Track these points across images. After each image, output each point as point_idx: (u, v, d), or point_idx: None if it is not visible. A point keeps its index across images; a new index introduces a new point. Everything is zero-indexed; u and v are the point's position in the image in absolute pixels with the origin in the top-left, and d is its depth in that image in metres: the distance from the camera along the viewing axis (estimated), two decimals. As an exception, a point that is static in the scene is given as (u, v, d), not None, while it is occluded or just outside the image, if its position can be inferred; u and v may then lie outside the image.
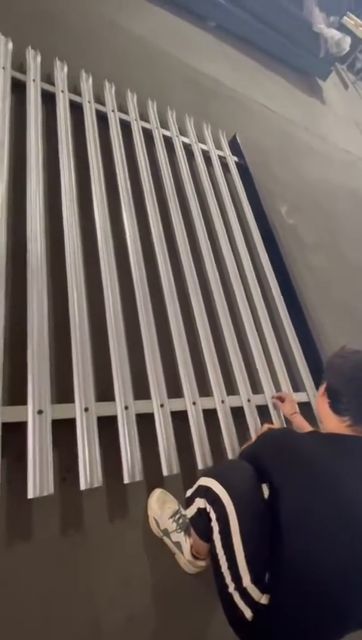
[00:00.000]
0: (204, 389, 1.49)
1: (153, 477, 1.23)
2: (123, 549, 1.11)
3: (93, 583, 1.03)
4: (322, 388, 0.99)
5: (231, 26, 3.57)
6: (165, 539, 1.16)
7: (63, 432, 1.12)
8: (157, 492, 1.21)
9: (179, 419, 1.35)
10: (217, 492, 0.87)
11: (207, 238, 1.92)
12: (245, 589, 0.83)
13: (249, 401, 1.55)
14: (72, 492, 1.09)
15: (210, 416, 1.42)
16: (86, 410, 1.17)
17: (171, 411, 1.34)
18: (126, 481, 1.14)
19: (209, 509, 0.88)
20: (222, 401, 1.48)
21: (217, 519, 0.86)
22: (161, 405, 1.32)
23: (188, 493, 0.99)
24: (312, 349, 1.90)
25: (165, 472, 1.22)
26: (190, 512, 0.96)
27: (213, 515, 0.87)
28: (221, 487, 0.88)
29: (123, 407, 1.24)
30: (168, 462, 1.24)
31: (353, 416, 0.90)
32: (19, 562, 0.97)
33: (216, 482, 0.89)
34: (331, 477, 0.83)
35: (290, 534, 0.83)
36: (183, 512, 1.17)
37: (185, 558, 1.13)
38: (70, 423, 1.13)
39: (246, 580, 0.83)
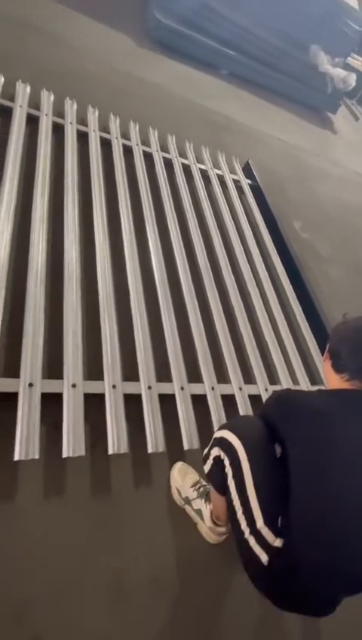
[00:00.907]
0: (224, 378, 1.59)
1: (175, 452, 1.32)
2: (148, 514, 1.19)
3: (120, 542, 1.11)
4: (326, 352, 1.08)
5: (241, 73, 3.96)
6: (187, 507, 1.23)
7: (94, 405, 1.25)
8: (179, 464, 1.30)
9: (200, 403, 1.45)
10: (230, 440, 0.97)
11: (224, 251, 2.09)
12: (259, 532, 0.89)
13: (266, 390, 1.63)
14: (101, 459, 1.20)
15: (229, 401, 1.52)
16: (114, 387, 1.31)
17: (191, 394, 1.45)
18: (150, 450, 1.24)
19: (223, 455, 0.97)
20: (240, 389, 1.57)
21: (231, 463, 0.95)
22: (182, 388, 1.44)
23: (205, 451, 1.08)
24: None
25: (186, 446, 1.31)
26: (207, 466, 1.05)
27: (226, 461, 0.96)
28: (233, 435, 0.97)
29: (147, 387, 1.37)
30: (189, 437, 1.33)
31: (351, 370, 0.98)
32: (54, 518, 1.07)
33: (229, 432, 0.98)
34: (337, 426, 0.90)
35: (301, 482, 0.89)
36: (203, 482, 1.25)
37: (206, 527, 1.19)
38: (100, 398, 1.27)
39: (260, 522, 0.89)
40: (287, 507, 0.88)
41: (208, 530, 1.19)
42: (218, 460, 0.99)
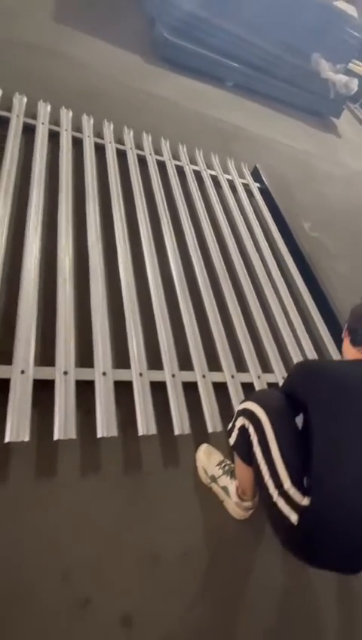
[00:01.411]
0: (243, 367, 1.67)
1: (199, 435, 1.40)
2: (176, 492, 1.27)
3: (152, 516, 1.19)
4: (345, 330, 1.16)
5: (246, 83, 4.11)
6: (213, 485, 1.30)
7: (123, 392, 1.34)
8: (204, 446, 1.38)
9: (221, 390, 1.53)
10: (253, 409, 1.05)
11: (237, 249, 2.19)
12: (287, 493, 0.95)
13: (283, 378, 1.71)
14: (131, 440, 1.29)
15: (248, 388, 1.59)
16: (140, 375, 1.40)
17: (213, 382, 1.53)
18: (176, 432, 1.33)
19: (247, 424, 1.05)
20: (258, 377, 1.65)
21: (255, 430, 1.02)
22: (203, 376, 1.52)
23: (229, 426, 1.16)
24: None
25: (210, 429, 1.39)
26: (232, 439, 1.12)
27: (251, 429, 1.04)
28: (256, 404, 1.05)
29: (171, 375, 1.46)
30: (212, 421, 1.41)
31: None
32: (92, 493, 1.16)
33: (252, 402, 1.07)
34: (357, 390, 0.98)
35: (325, 442, 0.95)
36: (228, 461, 1.32)
37: (232, 503, 1.26)
38: (128, 385, 1.36)
39: (287, 483, 0.96)
40: (312, 468, 0.95)
41: (234, 506, 1.26)
42: (243, 430, 1.07)
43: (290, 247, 2.46)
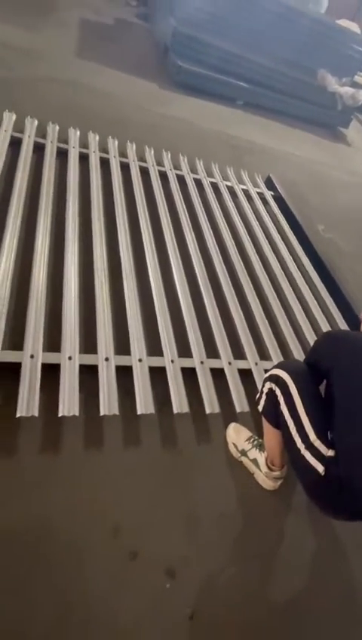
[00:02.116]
0: (265, 356, 1.78)
1: (228, 415, 1.52)
2: (209, 464, 1.39)
3: (188, 485, 1.31)
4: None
5: (256, 101, 4.34)
6: (243, 459, 1.41)
7: (158, 376, 1.48)
8: (233, 424, 1.50)
9: (246, 376, 1.65)
10: (279, 374, 1.17)
11: (254, 250, 2.34)
12: (313, 445, 1.06)
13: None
14: (167, 418, 1.42)
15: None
16: (172, 361, 1.54)
17: (238, 369, 1.65)
18: (207, 411, 1.45)
19: (274, 387, 1.16)
20: (281, 364, 1.76)
21: (282, 393, 1.14)
22: (229, 363, 1.65)
23: (257, 396, 1.28)
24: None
25: (238, 410, 1.51)
26: (261, 405, 1.24)
27: (278, 392, 1.15)
28: (282, 370, 1.17)
29: (199, 362, 1.59)
30: (240, 402, 1.53)
31: None
32: (134, 462, 1.29)
33: (278, 369, 1.19)
34: None
35: (347, 398, 1.05)
36: (256, 437, 1.43)
37: (262, 474, 1.37)
38: (163, 371, 1.50)
39: (313, 436, 1.06)
40: (335, 423, 1.06)
41: (264, 476, 1.36)
42: (270, 394, 1.18)
43: (305, 247, 2.59)
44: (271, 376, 1.21)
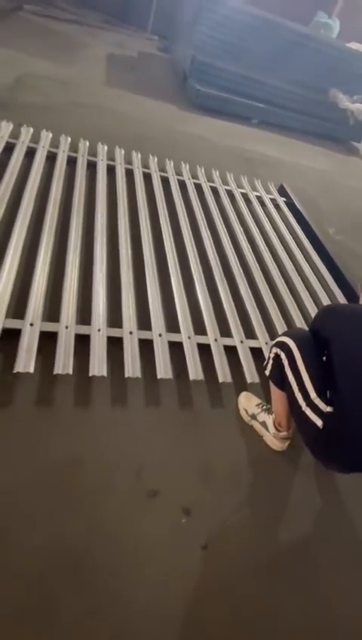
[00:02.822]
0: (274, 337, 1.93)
1: (239, 385, 1.67)
2: (223, 427, 1.53)
3: (204, 442, 1.45)
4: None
5: (270, 119, 4.62)
6: (254, 422, 1.54)
7: (177, 349, 1.65)
8: (244, 393, 1.64)
9: (256, 354, 1.80)
10: (284, 340, 1.31)
11: (268, 250, 2.51)
12: (313, 402, 1.19)
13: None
14: (184, 384, 1.59)
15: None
16: (189, 338, 1.71)
17: (250, 347, 1.80)
18: (220, 380, 1.61)
19: (280, 352, 1.31)
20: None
21: (286, 356, 1.28)
22: (241, 342, 1.81)
23: (264, 363, 1.42)
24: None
25: (249, 380, 1.66)
26: (268, 370, 1.38)
27: (283, 356, 1.29)
28: (287, 337, 1.31)
29: (214, 339, 1.76)
30: (250, 374, 1.68)
31: None
32: (155, 419, 1.45)
33: (283, 336, 1.33)
34: None
35: (344, 361, 1.18)
36: (264, 403, 1.57)
37: (270, 436, 1.50)
38: (180, 345, 1.68)
39: (313, 394, 1.20)
40: (333, 383, 1.19)
41: (272, 437, 1.49)
42: (276, 358, 1.33)
43: (315, 246, 2.74)
44: (277, 342, 1.36)
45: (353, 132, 5.07)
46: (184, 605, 1.08)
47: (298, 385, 1.24)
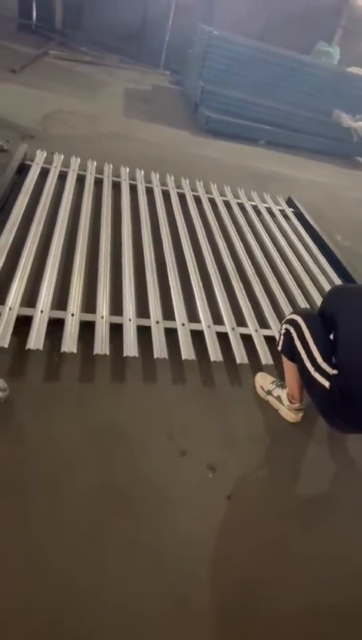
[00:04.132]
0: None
1: (255, 367, 1.85)
2: (241, 402, 1.71)
3: (225, 413, 1.63)
4: None
5: (277, 140, 4.93)
6: (269, 397, 1.72)
7: (198, 337, 1.86)
8: (260, 373, 1.82)
9: (270, 342, 1.99)
10: (293, 318, 1.50)
11: (278, 254, 2.73)
12: (320, 367, 1.37)
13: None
14: (205, 364, 1.78)
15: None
16: (208, 327, 1.92)
17: (264, 335, 2.00)
18: (238, 362, 1.80)
19: (290, 327, 1.49)
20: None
21: (295, 330, 1.47)
22: (256, 330, 2.00)
23: (277, 339, 1.61)
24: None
25: (263, 362, 1.84)
26: (280, 345, 1.56)
27: (292, 330, 1.48)
28: (296, 315, 1.50)
29: (231, 329, 1.96)
30: (265, 357, 1.86)
31: None
32: (180, 394, 1.65)
33: (293, 314, 1.52)
34: None
35: (346, 331, 1.35)
36: (278, 380, 1.74)
37: (285, 408, 1.67)
38: (201, 333, 1.88)
39: (320, 359, 1.37)
40: (338, 350, 1.37)
41: (287, 410, 1.66)
42: (286, 334, 1.52)
43: (323, 250, 2.94)
44: (287, 320, 1.56)
45: (357, 148, 5.34)
46: (213, 540, 1.25)
47: (306, 353, 1.43)
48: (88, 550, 1.14)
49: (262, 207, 3.26)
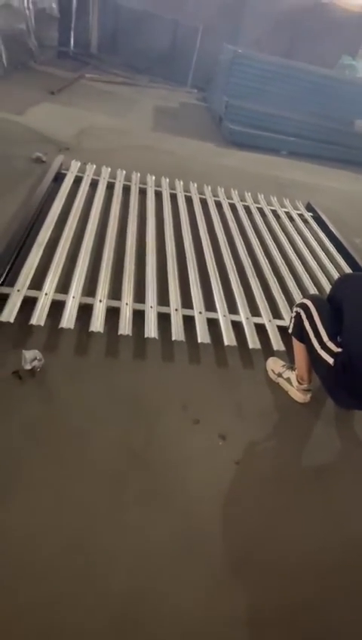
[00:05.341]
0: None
1: (267, 353, 1.97)
2: (254, 382, 1.83)
3: (237, 390, 1.76)
4: None
5: (298, 150, 5.08)
6: (279, 379, 1.83)
7: (213, 325, 2.01)
8: (272, 357, 1.94)
9: (283, 332, 2.11)
10: (304, 302, 1.63)
11: (296, 255, 2.85)
12: (326, 345, 1.48)
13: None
14: (220, 348, 1.93)
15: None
16: (224, 316, 2.07)
17: (277, 325, 2.12)
18: (251, 346, 1.93)
19: (299, 310, 1.62)
20: (313, 324, 2.19)
21: (304, 313, 1.59)
22: (269, 320, 2.13)
23: (288, 323, 1.73)
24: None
25: (275, 348, 1.96)
26: (290, 328, 1.69)
27: (302, 313, 1.61)
28: (306, 299, 1.63)
29: (246, 318, 2.10)
30: (277, 343, 1.98)
31: None
32: (197, 373, 1.79)
33: (303, 299, 1.65)
34: None
35: (350, 313, 1.48)
36: (289, 364, 1.86)
37: (294, 389, 1.78)
38: (216, 322, 2.03)
39: (326, 338, 1.49)
40: (343, 331, 1.48)
41: (296, 390, 1.77)
42: (297, 317, 1.64)
43: (342, 253, 3.03)
44: (298, 304, 1.68)
45: (378, 156, 5.40)
46: (222, 498, 1.37)
47: (314, 333, 1.55)
48: (110, 492, 1.30)
49: (281, 212, 3.40)
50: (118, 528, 1.22)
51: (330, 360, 1.45)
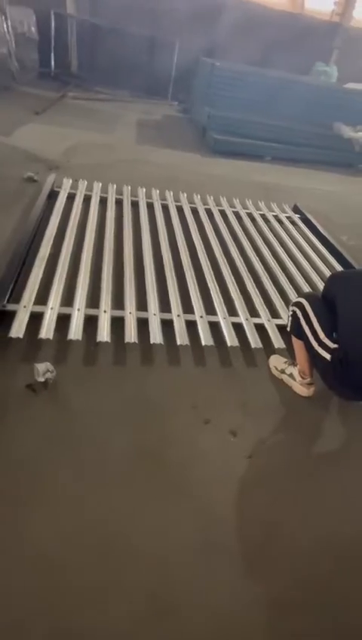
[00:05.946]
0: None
1: (269, 352, 2.04)
2: (258, 379, 1.90)
3: (241, 387, 1.83)
4: None
5: (281, 155, 5.23)
6: (283, 376, 1.90)
7: (215, 328, 2.08)
8: (274, 355, 2.01)
9: (283, 331, 2.18)
10: (300, 300, 1.71)
11: (287, 256, 2.95)
12: (323, 342, 1.56)
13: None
14: (223, 349, 1.99)
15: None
16: (224, 318, 2.14)
17: (276, 324, 2.20)
18: (253, 346, 2.00)
19: (296, 309, 1.70)
20: (310, 321, 2.27)
21: (301, 311, 1.67)
22: (268, 320, 2.21)
23: (286, 322, 1.81)
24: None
25: (276, 346, 2.03)
26: (289, 326, 1.77)
27: (298, 312, 1.69)
28: (301, 298, 1.71)
29: (245, 319, 2.17)
30: (277, 341, 2.06)
31: None
32: (202, 374, 1.86)
33: (299, 298, 1.73)
34: None
35: (346, 313, 1.55)
36: (290, 360, 1.93)
37: (297, 384, 1.85)
38: (217, 325, 2.10)
39: (322, 335, 1.57)
40: (338, 328, 1.56)
41: (299, 385, 1.84)
42: (294, 315, 1.72)
43: (331, 250, 3.14)
44: (294, 303, 1.76)
45: (358, 158, 5.57)
46: (235, 488, 1.43)
47: (311, 331, 1.63)
48: (129, 492, 1.35)
49: (269, 216, 3.51)
50: (142, 527, 1.27)
51: (327, 356, 1.53)
